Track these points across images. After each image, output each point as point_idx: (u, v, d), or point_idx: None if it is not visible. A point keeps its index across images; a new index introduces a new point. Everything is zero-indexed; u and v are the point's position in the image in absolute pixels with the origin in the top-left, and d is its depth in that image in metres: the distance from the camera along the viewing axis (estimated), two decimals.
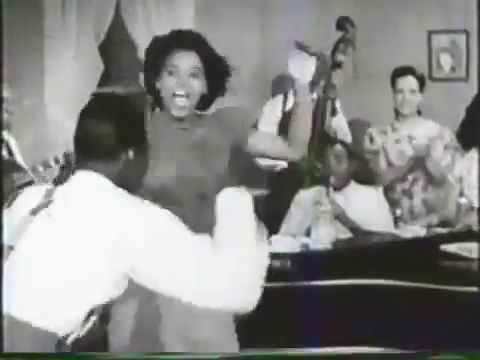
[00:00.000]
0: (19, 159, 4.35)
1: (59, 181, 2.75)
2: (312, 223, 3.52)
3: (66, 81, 5.25)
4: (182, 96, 2.66)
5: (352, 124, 5.07)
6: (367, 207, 4.07)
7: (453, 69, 5.34)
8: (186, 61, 2.68)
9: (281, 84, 5.38)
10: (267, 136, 3.05)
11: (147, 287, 1.98)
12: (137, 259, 1.94)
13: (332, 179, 4.16)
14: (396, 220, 4.12)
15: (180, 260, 1.95)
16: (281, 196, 4.60)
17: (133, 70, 5.54)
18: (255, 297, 2.00)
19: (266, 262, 2.06)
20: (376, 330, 2.93)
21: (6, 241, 2.00)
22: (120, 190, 2.07)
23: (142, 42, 5.17)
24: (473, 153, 3.99)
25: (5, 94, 4.31)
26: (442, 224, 3.95)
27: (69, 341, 1.92)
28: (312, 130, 4.76)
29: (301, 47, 2.97)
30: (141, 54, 5.21)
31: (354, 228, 3.98)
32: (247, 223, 2.06)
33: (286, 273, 3.05)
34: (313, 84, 4.98)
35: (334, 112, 4.84)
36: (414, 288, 2.98)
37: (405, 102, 4.40)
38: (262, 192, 5.05)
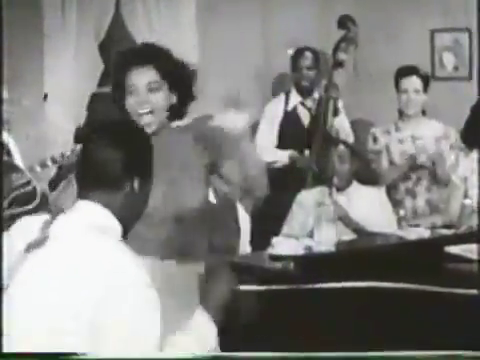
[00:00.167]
0: (17, 159, 4.32)
1: (55, 183, 2.70)
2: (315, 224, 3.49)
3: (66, 81, 5.22)
4: (147, 113, 2.62)
5: (354, 124, 5.05)
6: (370, 208, 4.05)
7: (456, 68, 5.31)
8: (143, 77, 2.63)
9: (282, 83, 5.36)
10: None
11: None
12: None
13: (335, 179, 4.13)
14: (399, 220, 4.09)
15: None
16: (282, 196, 4.58)
17: None
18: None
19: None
20: (381, 333, 2.91)
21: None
22: (117, 235, 1.99)
23: (142, 40, 5.14)
24: (475, 154, 3.97)
25: (5, 94, 4.28)
26: (446, 225, 3.92)
27: None
28: (313, 130, 4.81)
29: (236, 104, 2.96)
30: None
31: (357, 229, 3.96)
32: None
33: (289, 275, 3.02)
34: (314, 84, 5.01)
35: (336, 112, 4.82)
36: (419, 291, 2.96)
37: (409, 102, 4.38)
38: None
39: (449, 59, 5.32)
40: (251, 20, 5.45)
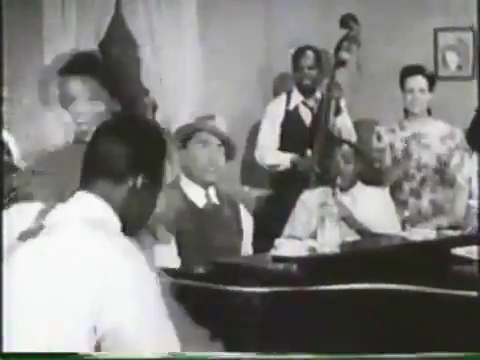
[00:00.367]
0: (17, 159, 4.31)
1: None
2: (318, 225, 3.46)
3: None
4: (85, 122, 2.73)
5: (358, 124, 5.02)
6: (374, 208, 4.03)
7: (459, 67, 5.29)
8: (81, 86, 2.72)
9: (283, 82, 5.34)
10: None
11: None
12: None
13: (339, 179, 4.10)
14: (404, 221, 4.07)
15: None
16: (284, 196, 4.56)
17: (133, 68, 5.50)
18: None
19: None
20: (386, 335, 2.88)
21: None
22: (115, 228, 1.94)
23: (143, 39, 5.13)
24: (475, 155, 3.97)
25: (5, 94, 4.27)
26: (451, 226, 3.89)
27: None
28: (315, 129, 4.78)
29: None
30: (142, 52, 5.19)
31: (361, 230, 3.93)
32: None
33: (293, 277, 2.99)
34: (316, 83, 4.98)
35: (338, 111, 4.80)
36: (424, 293, 2.93)
37: (415, 101, 4.38)
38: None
39: (452, 58, 5.29)
40: (252, 19, 5.43)
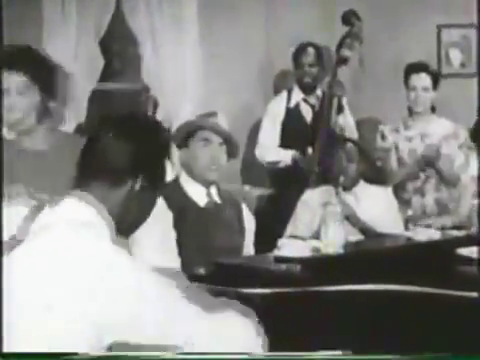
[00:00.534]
0: None
1: None
2: (321, 225, 3.43)
3: None
4: (15, 115, 2.81)
5: (361, 122, 5.00)
6: (377, 207, 4.00)
7: (463, 64, 5.26)
8: (13, 80, 2.79)
9: (284, 80, 5.32)
10: None
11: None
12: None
13: (341, 178, 4.06)
14: (407, 221, 4.05)
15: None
16: (285, 195, 4.53)
17: (134, 65, 5.50)
18: None
19: None
20: (390, 336, 2.86)
21: None
22: (103, 232, 1.88)
23: (143, 37, 5.11)
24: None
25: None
26: (456, 226, 3.88)
27: None
28: (316, 127, 4.76)
29: None
30: (142, 50, 5.17)
31: (365, 230, 3.90)
32: None
33: (296, 278, 2.96)
34: (317, 80, 4.96)
35: (340, 109, 4.77)
36: (429, 293, 2.91)
37: (418, 99, 4.36)
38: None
39: (456, 55, 5.27)
40: (253, 17, 5.42)
